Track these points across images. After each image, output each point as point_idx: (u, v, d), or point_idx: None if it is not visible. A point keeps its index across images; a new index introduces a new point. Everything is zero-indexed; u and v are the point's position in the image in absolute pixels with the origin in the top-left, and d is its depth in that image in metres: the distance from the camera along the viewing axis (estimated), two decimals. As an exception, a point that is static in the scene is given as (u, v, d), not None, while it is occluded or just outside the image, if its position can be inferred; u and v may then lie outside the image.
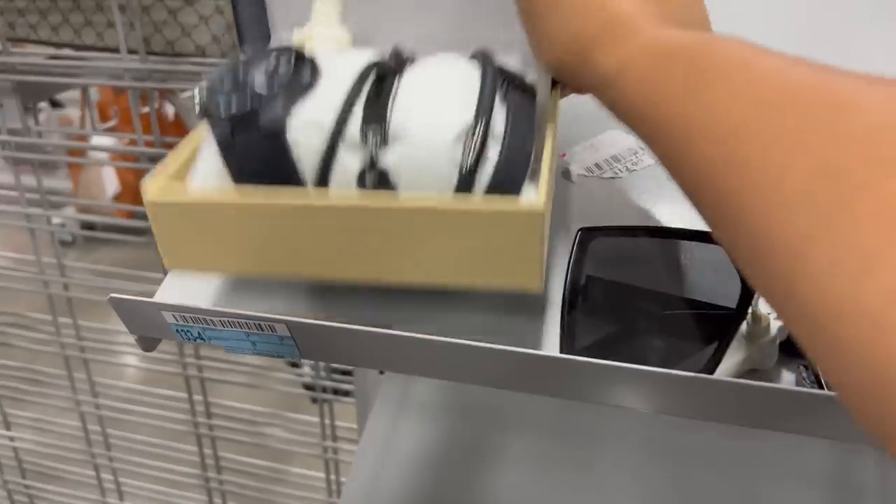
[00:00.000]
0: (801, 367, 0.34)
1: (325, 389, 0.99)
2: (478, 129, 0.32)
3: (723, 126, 0.24)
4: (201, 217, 0.34)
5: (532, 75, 0.36)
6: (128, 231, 0.98)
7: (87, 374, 1.07)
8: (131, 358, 1.50)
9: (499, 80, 0.34)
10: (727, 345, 0.34)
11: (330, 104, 0.33)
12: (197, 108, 0.34)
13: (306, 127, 0.33)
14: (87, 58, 0.87)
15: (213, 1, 0.82)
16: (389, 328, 0.35)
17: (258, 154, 0.33)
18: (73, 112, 2.85)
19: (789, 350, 0.36)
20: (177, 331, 0.39)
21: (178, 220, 0.35)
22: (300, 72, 0.34)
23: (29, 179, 0.95)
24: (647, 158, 0.46)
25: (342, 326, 0.35)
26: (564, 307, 0.36)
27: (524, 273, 0.32)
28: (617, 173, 0.45)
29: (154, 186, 0.34)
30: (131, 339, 0.41)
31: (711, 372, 0.34)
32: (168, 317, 0.39)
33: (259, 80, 0.34)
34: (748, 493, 0.63)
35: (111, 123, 2.35)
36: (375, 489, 0.69)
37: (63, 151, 2.26)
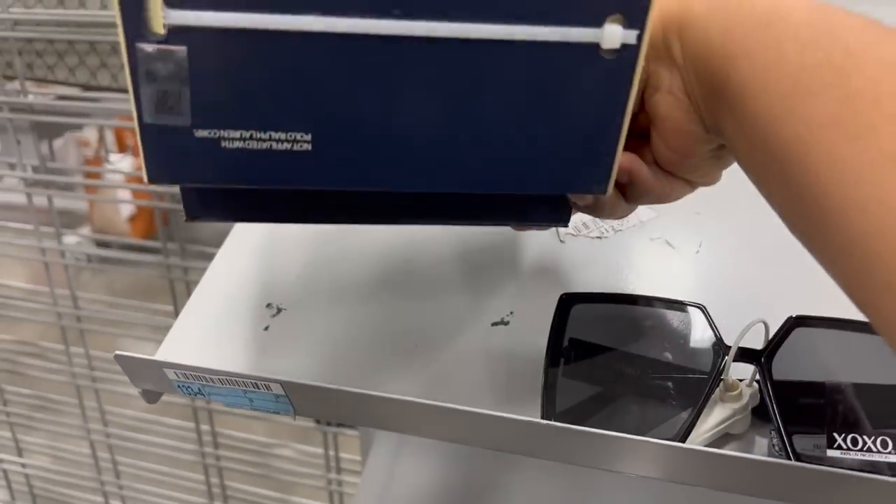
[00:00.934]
0: (773, 434, 0.36)
1: (329, 422, 1.00)
2: None
3: (838, 89, 0.24)
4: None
5: None
6: (142, 250, 1.00)
7: (98, 403, 1.09)
8: (142, 383, 1.52)
9: None
10: (700, 410, 0.35)
11: None
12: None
13: None
14: (102, 99, 0.90)
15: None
16: (377, 390, 0.37)
17: None
18: (90, 134, 2.91)
19: (762, 416, 0.37)
20: (178, 386, 0.41)
21: None
22: None
23: (44, 202, 0.97)
24: (633, 218, 0.48)
25: (332, 388, 0.37)
26: (546, 371, 0.37)
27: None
28: (603, 233, 0.47)
29: None
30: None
31: (686, 436, 0.35)
32: (170, 374, 0.41)
33: None
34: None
35: (127, 155, 2.39)
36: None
37: (80, 175, 2.29)
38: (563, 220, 0.34)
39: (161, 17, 0.25)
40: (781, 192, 0.27)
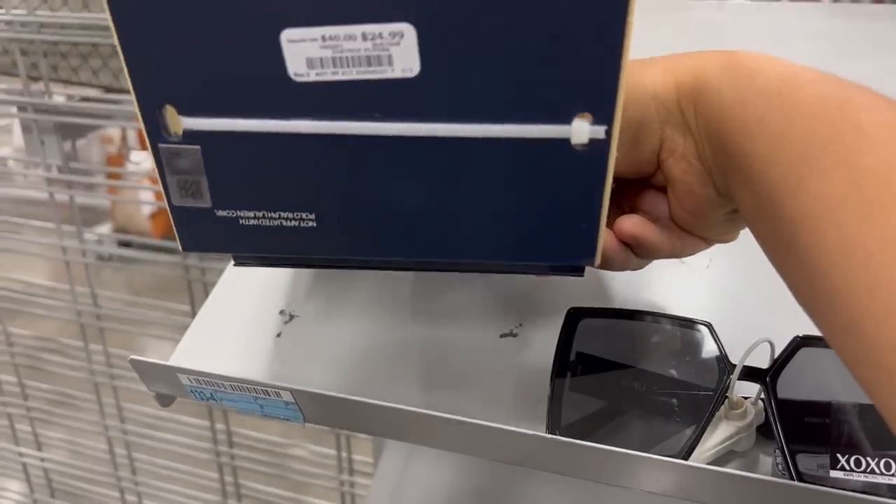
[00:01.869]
0: (777, 452, 0.36)
1: (342, 423, 1.01)
2: None
3: (845, 167, 0.24)
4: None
5: None
6: (161, 250, 1.01)
7: (116, 399, 1.11)
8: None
9: None
10: (705, 428, 0.35)
11: None
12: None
13: None
14: (124, 101, 0.91)
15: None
16: (386, 400, 0.37)
17: None
18: (114, 131, 2.94)
19: (767, 434, 0.37)
20: (191, 391, 0.42)
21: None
22: None
23: (65, 197, 0.98)
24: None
25: (341, 397, 0.38)
26: (552, 385, 0.38)
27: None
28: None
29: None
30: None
31: (690, 453, 0.35)
32: (183, 379, 0.41)
33: None
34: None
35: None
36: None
37: (102, 174, 2.32)
38: (578, 272, 0.35)
39: (177, 122, 0.29)
40: (788, 262, 0.27)
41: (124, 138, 2.96)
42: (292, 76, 0.28)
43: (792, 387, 0.35)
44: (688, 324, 0.37)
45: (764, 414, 0.37)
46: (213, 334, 0.46)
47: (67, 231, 1.00)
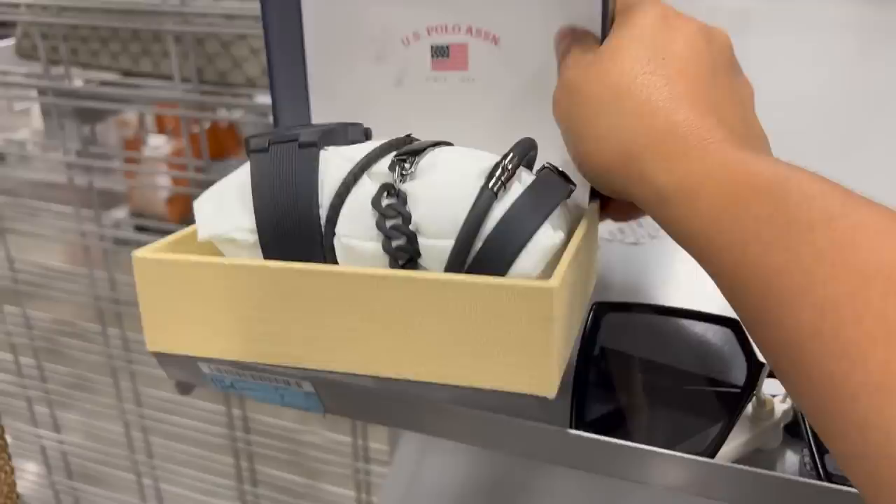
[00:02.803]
0: (804, 452, 0.35)
1: (358, 411, 1.01)
2: (504, 163, 0.33)
3: (811, 294, 0.24)
4: (186, 279, 0.36)
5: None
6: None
7: (133, 384, 1.11)
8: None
9: (531, 152, 0.36)
10: (732, 426, 0.35)
11: (366, 148, 0.36)
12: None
13: (337, 156, 0.36)
14: (143, 86, 0.91)
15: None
16: (406, 391, 0.37)
17: (285, 162, 0.35)
18: (131, 116, 2.95)
19: (794, 432, 0.36)
20: (211, 380, 0.42)
21: (163, 283, 0.37)
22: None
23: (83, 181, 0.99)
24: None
25: (361, 386, 0.37)
26: (576, 380, 0.37)
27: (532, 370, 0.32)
28: (639, 239, 0.46)
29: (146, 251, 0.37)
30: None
31: (716, 451, 0.35)
32: (203, 367, 0.41)
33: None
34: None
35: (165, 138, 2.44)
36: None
37: (119, 157, 2.34)
38: None
39: None
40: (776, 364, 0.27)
41: (142, 122, 2.97)
42: None
43: (822, 385, 0.34)
44: (715, 320, 0.37)
45: (791, 413, 0.36)
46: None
47: (85, 215, 1.00)
